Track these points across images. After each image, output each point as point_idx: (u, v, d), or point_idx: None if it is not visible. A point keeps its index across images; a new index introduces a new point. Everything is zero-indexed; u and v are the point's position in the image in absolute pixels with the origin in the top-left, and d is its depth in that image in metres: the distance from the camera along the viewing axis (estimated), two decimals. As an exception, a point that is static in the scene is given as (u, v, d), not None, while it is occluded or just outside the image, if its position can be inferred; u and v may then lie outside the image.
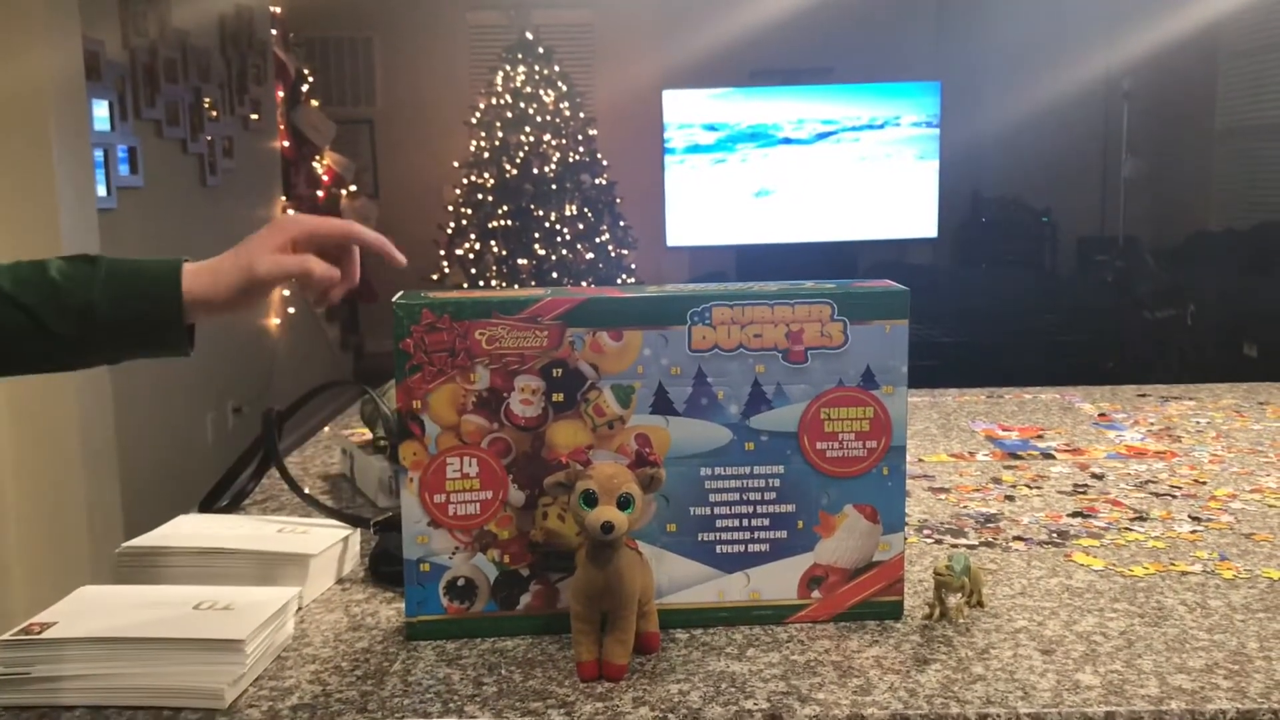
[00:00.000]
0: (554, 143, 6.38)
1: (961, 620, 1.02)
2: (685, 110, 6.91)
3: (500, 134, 6.39)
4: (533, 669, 0.93)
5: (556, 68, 6.47)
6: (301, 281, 0.97)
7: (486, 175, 6.40)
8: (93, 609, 0.97)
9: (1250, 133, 6.44)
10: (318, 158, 6.06)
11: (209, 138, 4.44)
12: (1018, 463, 1.58)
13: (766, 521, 1.01)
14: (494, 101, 6.43)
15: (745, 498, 1.00)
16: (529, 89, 6.38)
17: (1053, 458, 1.60)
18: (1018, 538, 1.25)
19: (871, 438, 1.00)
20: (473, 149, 6.48)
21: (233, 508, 1.41)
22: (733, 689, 0.89)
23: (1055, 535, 1.26)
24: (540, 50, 6.43)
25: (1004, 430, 1.78)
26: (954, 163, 6.95)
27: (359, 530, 1.22)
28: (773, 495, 1.00)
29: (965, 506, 1.38)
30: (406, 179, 7.23)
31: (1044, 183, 7.17)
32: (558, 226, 6.35)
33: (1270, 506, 1.36)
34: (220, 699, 0.87)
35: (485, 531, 0.99)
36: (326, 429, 1.83)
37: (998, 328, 5.36)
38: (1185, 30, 6.38)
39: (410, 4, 7.19)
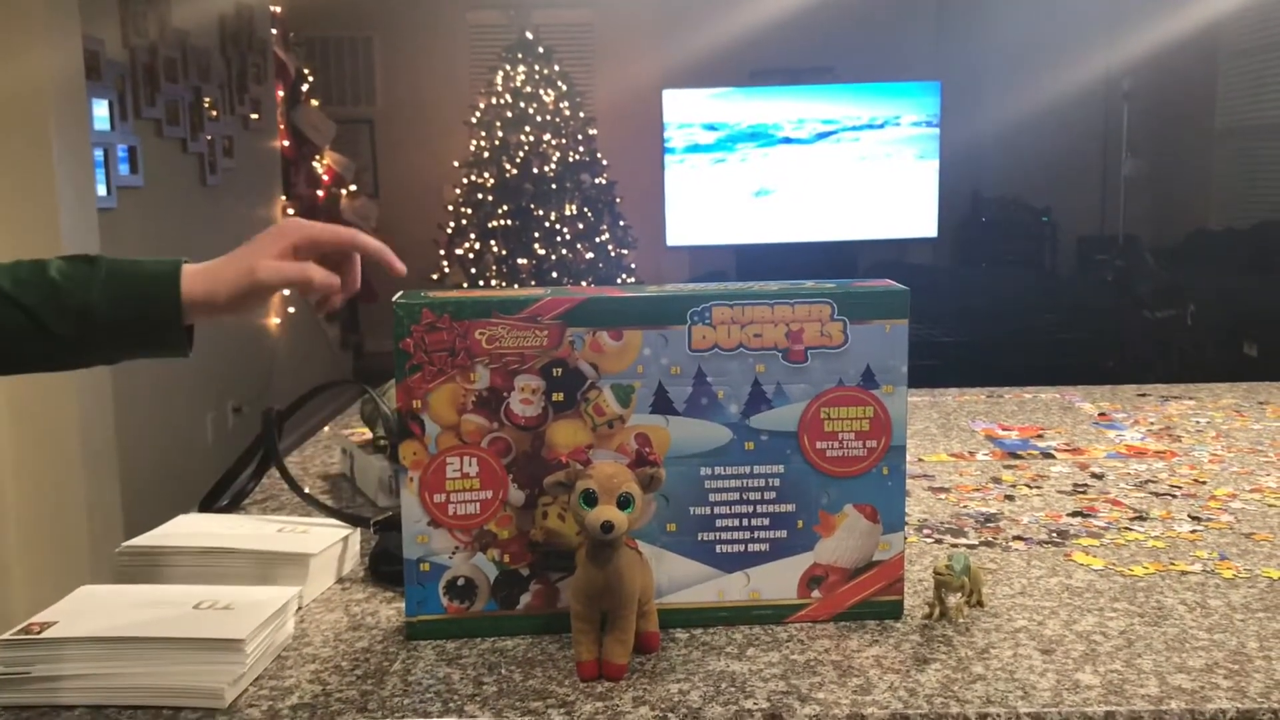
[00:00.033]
0: (554, 142, 6.38)
1: (961, 620, 1.02)
2: (685, 110, 6.91)
3: (500, 134, 6.39)
4: (533, 668, 0.93)
5: (556, 67, 6.48)
6: (301, 289, 0.96)
7: (486, 175, 6.40)
8: (93, 608, 0.97)
9: (1250, 133, 6.44)
10: (318, 157, 6.05)
11: (209, 137, 4.44)
12: (1018, 462, 1.58)
13: (766, 521, 1.01)
14: (494, 101, 6.43)
15: (745, 497, 1.00)
16: (529, 89, 6.38)
17: (1053, 457, 1.60)
18: (1018, 537, 1.25)
19: (871, 437, 1.00)
20: (473, 149, 6.48)
21: (233, 507, 1.41)
22: (733, 688, 0.89)
23: (1055, 535, 1.26)
24: (540, 50, 6.43)
25: (1004, 430, 1.78)
26: (954, 162, 6.95)
27: (359, 530, 1.22)
28: (773, 495, 1.00)
29: (965, 506, 1.38)
30: (406, 179, 7.23)
31: (1044, 182, 7.17)
32: (558, 226, 6.35)
33: (1270, 506, 1.36)
34: (220, 698, 0.87)
35: (485, 531, 0.99)
36: (326, 429, 1.84)
37: (998, 327, 5.36)
38: (1185, 30, 6.38)
39: (410, 3, 7.19)
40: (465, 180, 6.46)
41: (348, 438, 1.57)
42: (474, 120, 6.48)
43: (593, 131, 6.55)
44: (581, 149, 6.46)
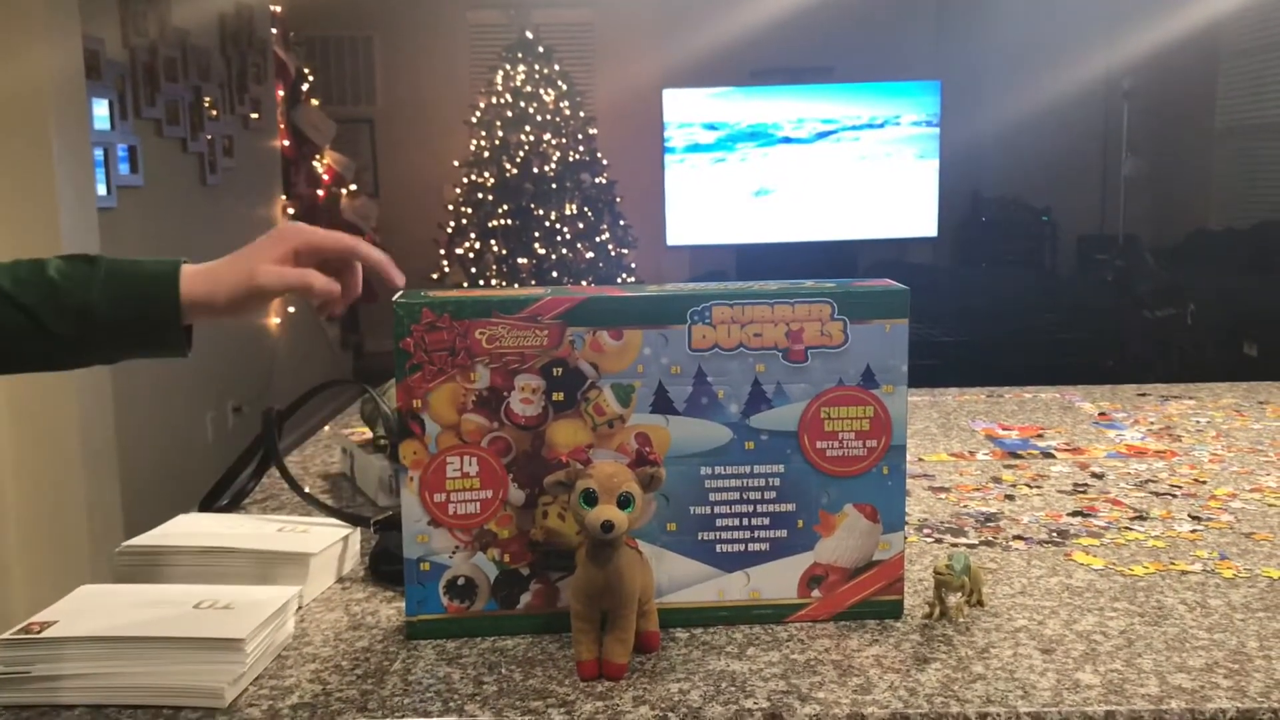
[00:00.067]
0: (554, 142, 6.38)
1: (961, 619, 1.02)
2: (685, 109, 6.91)
3: (500, 133, 6.39)
4: (533, 668, 0.93)
5: (556, 67, 6.48)
6: (302, 295, 0.96)
7: (486, 174, 6.40)
8: (93, 608, 0.97)
9: (1250, 132, 6.45)
10: (318, 157, 6.05)
11: (209, 137, 4.44)
12: (1018, 462, 1.58)
13: (766, 521, 1.01)
14: (494, 101, 6.43)
15: (745, 497, 1.00)
16: (529, 88, 6.38)
17: (1053, 457, 1.60)
18: (1018, 537, 1.25)
19: (871, 437, 1.00)
20: (473, 148, 6.48)
21: (233, 507, 1.41)
22: (733, 688, 0.89)
23: (1055, 534, 1.26)
24: (540, 49, 6.43)
25: (1004, 429, 1.78)
26: (954, 162, 6.95)
27: (359, 529, 1.22)
28: (773, 494, 1.00)
29: (965, 506, 1.38)
30: (407, 178, 7.23)
31: (1044, 182, 7.17)
32: (558, 226, 6.35)
33: (1270, 506, 1.36)
34: (220, 698, 0.87)
35: (485, 530, 0.99)
36: (326, 428, 1.83)
37: (998, 327, 5.36)
38: (1185, 30, 6.38)
39: (410, 3, 7.18)
40: (465, 180, 6.46)
41: (348, 437, 1.57)
42: (474, 120, 6.48)
43: (593, 131, 6.55)
44: (581, 149, 6.46)
